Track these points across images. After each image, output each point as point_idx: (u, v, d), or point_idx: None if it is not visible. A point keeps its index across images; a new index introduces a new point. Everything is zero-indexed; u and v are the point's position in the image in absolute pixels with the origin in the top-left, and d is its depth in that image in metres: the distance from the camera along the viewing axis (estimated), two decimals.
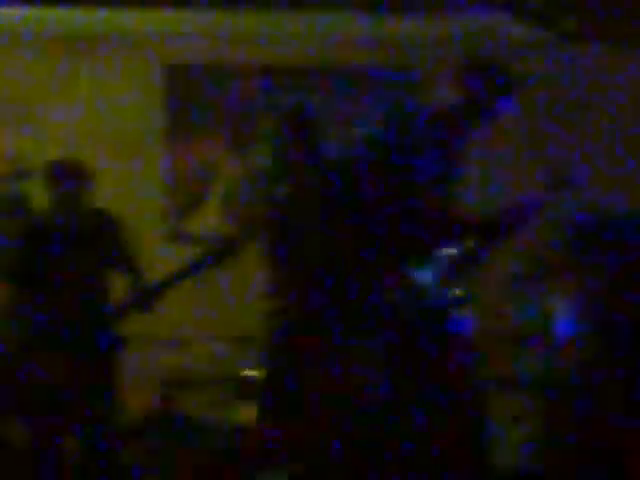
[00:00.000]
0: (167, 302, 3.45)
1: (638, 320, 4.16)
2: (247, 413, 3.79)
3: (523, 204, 3.40)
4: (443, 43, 4.18)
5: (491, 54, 3.47)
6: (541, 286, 4.59)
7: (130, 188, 4.52)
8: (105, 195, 3.73)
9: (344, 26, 4.49)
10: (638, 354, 3.93)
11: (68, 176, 3.43)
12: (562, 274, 4.37)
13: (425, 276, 3.35)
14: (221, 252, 3.33)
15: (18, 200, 3.90)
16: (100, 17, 4.51)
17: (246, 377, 3.85)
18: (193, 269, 3.32)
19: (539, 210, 3.41)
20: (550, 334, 4.27)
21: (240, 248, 3.34)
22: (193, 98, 4.59)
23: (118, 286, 3.49)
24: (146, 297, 3.37)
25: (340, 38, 4.56)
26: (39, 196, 3.56)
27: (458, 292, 3.40)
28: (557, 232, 4.32)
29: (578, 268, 4.23)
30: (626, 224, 4.15)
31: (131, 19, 4.54)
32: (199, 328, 4.24)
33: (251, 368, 3.74)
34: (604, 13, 4.24)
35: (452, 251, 3.42)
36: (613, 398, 3.88)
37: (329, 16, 4.45)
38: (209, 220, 4.50)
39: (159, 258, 3.91)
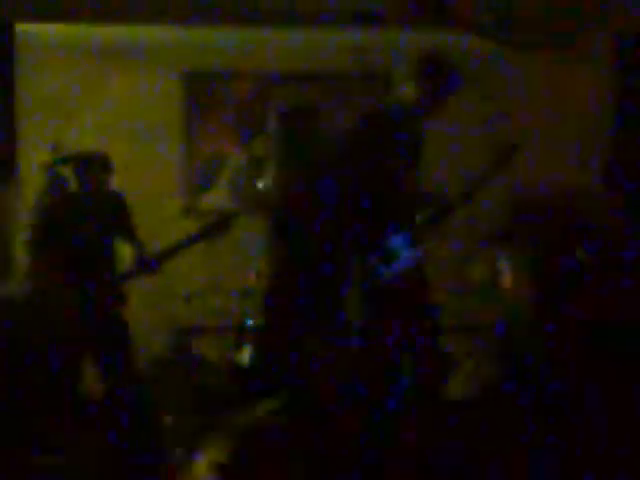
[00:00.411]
0: (181, 262, 4.33)
1: (565, 275, 4.99)
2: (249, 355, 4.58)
3: (478, 178, 4.12)
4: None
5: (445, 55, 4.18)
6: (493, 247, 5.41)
7: (153, 173, 5.39)
8: (132, 178, 4.65)
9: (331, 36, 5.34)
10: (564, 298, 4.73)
11: (96, 165, 4.30)
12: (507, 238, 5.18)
13: (396, 241, 4.10)
14: (215, 226, 4.22)
15: (58, 182, 4.74)
16: (128, 32, 5.46)
17: (247, 325, 4.67)
18: (193, 239, 4.18)
19: (488, 182, 4.14)
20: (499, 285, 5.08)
21: (231, 223, 4.21)
22: (207, 99, 5.51)
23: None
24: (157, 259, 4.14)
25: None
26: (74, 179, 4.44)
27: (421, 252, 4.15)
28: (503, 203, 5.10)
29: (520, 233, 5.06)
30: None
31: (154, 32, 5.46)
32: (209, 283, 5.17)
33: (251, 317, 4.57)
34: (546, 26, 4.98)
35: (418, 218, 4.19)
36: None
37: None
38: (217, 200, 5.41)
39: (176, 229, 4.61)
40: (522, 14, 4.95)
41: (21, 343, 3.82)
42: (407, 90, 3.96)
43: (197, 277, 5.07)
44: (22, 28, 5.30)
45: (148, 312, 4.66)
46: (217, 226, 4.14)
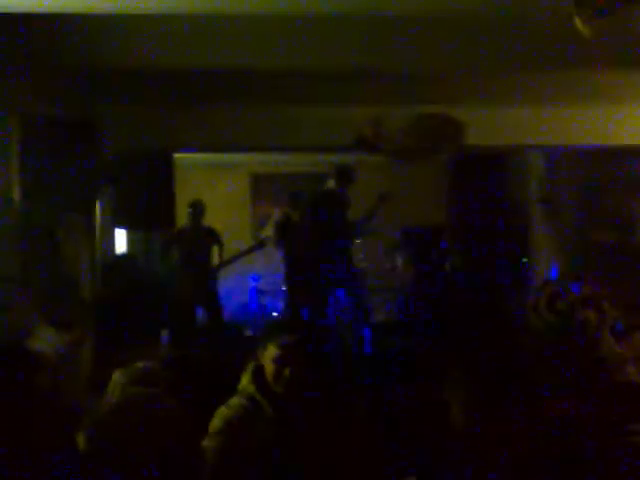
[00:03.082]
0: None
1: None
2: None
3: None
4: None
5: None
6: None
7: (238, 225, 9.98)
8: (225, 225, 9.19)
9: None
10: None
11: (197, 213, 8.49)
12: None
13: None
14: (258, 245, 8.67)
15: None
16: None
17: None
18: (247, 252, 8.66)
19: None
20: None
21: (264, 245, 8.65)
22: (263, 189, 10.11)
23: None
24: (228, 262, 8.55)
25: None
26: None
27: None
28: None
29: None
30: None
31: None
32: None
33: None
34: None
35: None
36: None
37: None
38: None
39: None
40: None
41: None
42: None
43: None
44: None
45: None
46: (257, 246, 8.64)
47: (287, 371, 3.25)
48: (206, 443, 3.11)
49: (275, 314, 8.78)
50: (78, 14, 4.38)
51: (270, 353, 3.30)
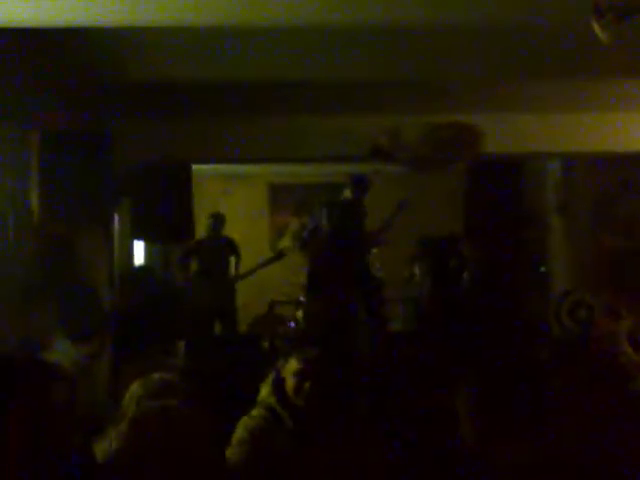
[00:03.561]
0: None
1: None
2: None
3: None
4: None
5: None
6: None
7: (256, 235, 10.02)
8: (243, 235, 9.21)
9: None
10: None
11: (217, 224, 8.71)
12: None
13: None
14: (277, 256, 8.70)
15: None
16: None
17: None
18: (266, 264, 8.68)
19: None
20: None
21: (283, 255, 8.68)
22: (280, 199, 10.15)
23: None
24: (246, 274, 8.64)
25: None
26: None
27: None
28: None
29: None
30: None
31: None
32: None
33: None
34: None
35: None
36: None
37: None
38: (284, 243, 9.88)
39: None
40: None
41: None
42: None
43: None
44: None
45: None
46: (276, 258, 8.65)
47: (307, 385, 3.26)
48: (230, 452, 3.13)
49: (293, 325, 8.76)
50: (94, 30, 4.39)
51: (292, 367, 3.33)
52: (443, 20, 4.30)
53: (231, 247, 8.48)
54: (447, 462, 2.63)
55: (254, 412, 3.39)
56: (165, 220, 7.46)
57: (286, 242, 8.85)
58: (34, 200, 5.15)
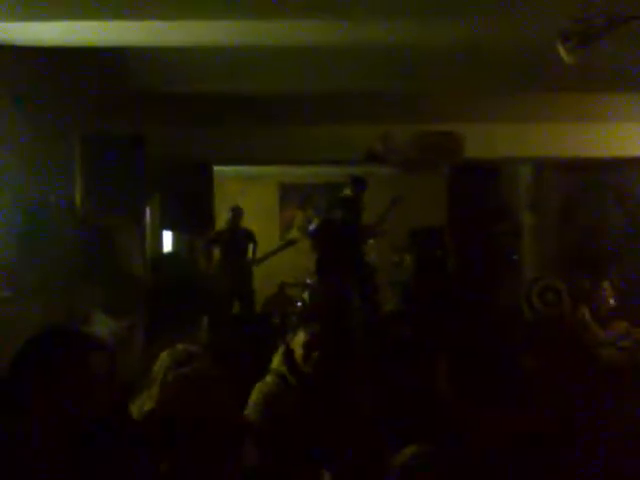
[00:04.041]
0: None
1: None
2: None
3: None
4: None
5: None
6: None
7: (268, 227, 9.97)
8: (257, 228, 9.17)
9: None
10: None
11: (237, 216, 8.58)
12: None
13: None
14: (285, 245, 8.67)
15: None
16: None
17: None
18: (278, 250, 8.65)
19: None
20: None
21: (293, 243, 8.65)
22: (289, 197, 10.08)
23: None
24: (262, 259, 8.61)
25: None
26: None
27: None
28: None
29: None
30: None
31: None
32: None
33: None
34: None
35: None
36: None
37: None
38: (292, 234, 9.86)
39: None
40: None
41: None
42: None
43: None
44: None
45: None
46: (286, 245, 8.64)
47: (314, 354, 3.27)
48: (247, 412, 3.14)
49: (300, 304, 8.75)
50: (129, 47, 4.41)
51: (300, 339, 3.35)
52: (429, 41, 4.30)
53: (249, 236, 8.47)
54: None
55: (267, 379, 3.41)
56: (190, 213, 7.55)
57: (294, 233, 8.83)
58: (78, 196, 5.19)
